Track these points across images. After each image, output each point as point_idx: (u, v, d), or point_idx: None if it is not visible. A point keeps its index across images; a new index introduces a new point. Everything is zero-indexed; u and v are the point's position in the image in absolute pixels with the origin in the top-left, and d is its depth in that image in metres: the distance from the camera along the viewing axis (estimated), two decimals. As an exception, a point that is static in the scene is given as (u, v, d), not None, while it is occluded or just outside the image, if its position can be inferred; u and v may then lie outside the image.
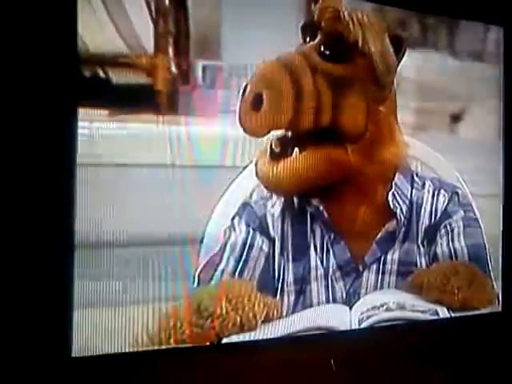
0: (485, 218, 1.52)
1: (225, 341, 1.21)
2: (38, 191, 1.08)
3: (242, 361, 1.24)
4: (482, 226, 1.50)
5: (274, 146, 1.27)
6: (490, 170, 1.59)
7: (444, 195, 1.45)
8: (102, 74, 1.13)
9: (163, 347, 1.17)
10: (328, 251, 1.35)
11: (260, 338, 1.24)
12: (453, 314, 1.43)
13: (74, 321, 1.11)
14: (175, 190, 1.19)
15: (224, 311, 1.21)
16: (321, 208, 1.33)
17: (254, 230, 1.30)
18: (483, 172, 1.57)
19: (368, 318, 1.33)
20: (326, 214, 1.34)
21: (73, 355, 1.11)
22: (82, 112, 1.10)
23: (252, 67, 1.24)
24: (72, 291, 1.10)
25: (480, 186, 1.54)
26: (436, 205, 1.44)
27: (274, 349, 1.26)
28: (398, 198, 1.39)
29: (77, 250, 1.11)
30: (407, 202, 1.41)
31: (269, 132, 1.25)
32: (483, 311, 1.50)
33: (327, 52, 1.28)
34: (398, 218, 1.38)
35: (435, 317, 1.41)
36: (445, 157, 1.48)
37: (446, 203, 1.44)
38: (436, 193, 1.44)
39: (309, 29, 1.30)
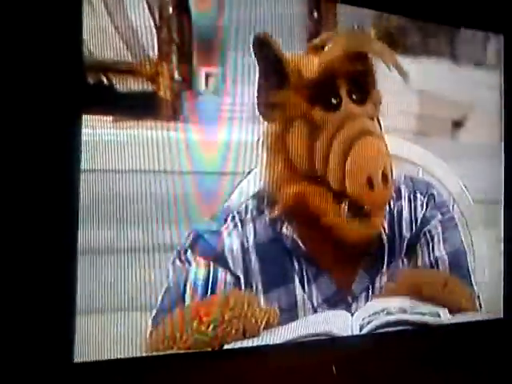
0: (486, 223, 1.53)
1: (227, 347, 1.21)
2: (42, 197, 1.08)
3: (244, 367, 1.24)
4: (458, 225, 1.48)
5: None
6: (492, 176, 1.59)
7: (421, 199, 1.41)
8: (105, 81, 1.13)
9: (165, 353, 1.17)
10: (310, 286, 1.30)
11: (262, 344, 1.24)
12: (454, 317, 1.42)
13: (76, 326, 1.10)
14: (178, 196, 1.19)
15: (226, 318, 1.20)
16: (295, 237, 1.28)
17: (213, 261, 1.22)
18: (485, 178, 1.57)
19: (369, 323, 1.33)
20: (302, 245, 1.29)
21: (75, 361, 1.10)
22: (85, 118, 1.11)
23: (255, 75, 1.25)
24: (74, 297, 1.10)
25: (481, 191, 1.54)
26: (415, 214, 1.41)
27: (276, 355, 1.26)
28: None
29: (79, 255, 1.11)
30: (387, 216, 1.37)
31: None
32: (485, 317, 1.50)
33: (355, 96, 1.28)
34: (382, 237, 1.36)
35: (436, 318, 1.40)
36: (446, 163, 1.48)
37: (424, 209, 1.41)
38: (412, 198, 1.41)
39: (327, 85, 1.26)
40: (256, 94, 1.25)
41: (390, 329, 1.35)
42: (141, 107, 1.16)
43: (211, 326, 1.19)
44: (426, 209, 1.42)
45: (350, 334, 1.32)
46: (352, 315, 1.33)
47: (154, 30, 1.17)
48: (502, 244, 1.58)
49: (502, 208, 1.60)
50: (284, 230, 1.28)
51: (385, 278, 1.36)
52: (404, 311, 1.37)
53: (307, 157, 1.26)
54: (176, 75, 1.19)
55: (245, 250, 1.25)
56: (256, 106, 1.25)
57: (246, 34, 1.25)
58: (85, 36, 1.11)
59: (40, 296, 1.08)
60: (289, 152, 1.26)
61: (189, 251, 1.20)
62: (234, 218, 1.25)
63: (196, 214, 1.21)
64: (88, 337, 1.11)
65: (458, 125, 1.54)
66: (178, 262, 1.19)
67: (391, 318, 1.35)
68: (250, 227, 1.26)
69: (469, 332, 1.48)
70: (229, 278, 1.23)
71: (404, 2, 1.45)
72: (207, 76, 1.22)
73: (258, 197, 1.28)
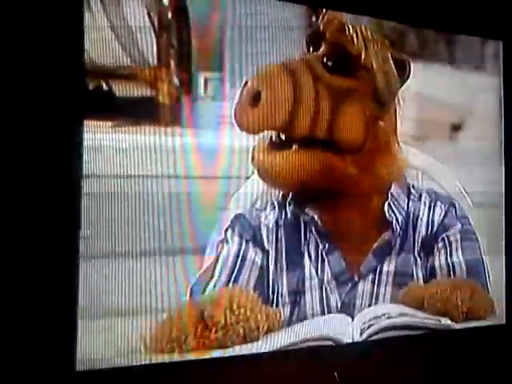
0: (486, 228, 1.53)
1: (228, 352, 1.20)
2: (44, 202, 1.09)
3: (244, 372, 1.24)
4: (479, 239, 1.49)
5: (273, 138, 1.29)
6: (491, 180, 1.60)
7: (441, 207, 1.45)
8: (105, 86, 1.14)
9: (168, 361, 1.16)
10: (323, 261, 1.35)
11: (263, 348, 1.24)
12: (455, 324, 1.42)
13: (78, 334, 1.10)
14: (179, 201, 1.20)
15: (228, 321, 1.20)
16: (315, 217, 1.34)
17: (247, 241, 1.30)
18: (484, 182, 1.57)
19: (369, 327, 1.33)
20: (320, 223, 1.34)
21: (77, 369, 1.10)
22: (87, 124, 1.12)
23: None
24: (76, 303, 1.10)
25: (481, 195, 1.54)
26: (432, 216, 1.44)
27: (277, 360, 1.26)
28: (394, 208, 1.39)
29: (81, 260, 1.11)
30: (403, 212, 1.41)
31: (263, 131, 1.27)
32: (487, 323, 1.49)
33: (330, 63, 1.31)
34: (394, 227, 1.39)
35: (437, 323, 1.39)
36: (446, 166, 1.49)
37: (442, 215, 1.44)
38: (432, 205, 1.44)
39: (313, 39, 1.33)
40: None
41: (391, 333, 1.35)
42: (140, 112, 1.17)
43: (213, 330, 1.19)
44: (446, 216, 1.45)
45: (350, 337, 1.32)
46: (352, 319, 1.34)
47: (154, 36, 1.18)
48: (503, 248, 1.58)
49: (503, 211, 1.60)
50: (306, 208, 1.35)
51: (393, 266, 1.39)
52: (405, 315, 1.37)
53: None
54: (175, 80, 1.21)
55: (277, 229, 1.33)
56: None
57: (244, 39, 1.27)
58: (85, 42, 1.12)
59: (42, 304, 1.08)
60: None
61: (229, 230, 1.29)
62: (272, 203, 1.34)
63: (198, 216, 1.22)
64: (90, 345, 1.11)
65: (456, 128, 1.55)
66: (219, 242, 1.27)
67: (392, 322, 1.34)
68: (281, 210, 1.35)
69: (471, 337, 1.47)
70: (258, 257, 1.30)
71: (403, 9, 1.47)
72: (206, 81, 1.23)
73: None
